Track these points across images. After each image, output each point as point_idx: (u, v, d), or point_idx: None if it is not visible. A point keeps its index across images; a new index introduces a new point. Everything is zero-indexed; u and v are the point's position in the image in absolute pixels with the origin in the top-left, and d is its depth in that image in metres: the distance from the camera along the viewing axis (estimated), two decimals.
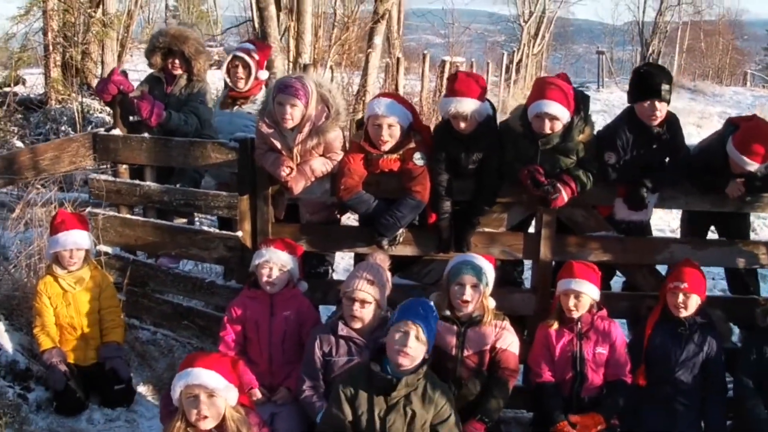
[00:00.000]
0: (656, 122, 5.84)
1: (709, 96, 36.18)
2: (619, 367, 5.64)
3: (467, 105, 5.77)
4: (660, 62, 45.89)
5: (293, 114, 5.81)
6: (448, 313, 5.52)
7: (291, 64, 12.59)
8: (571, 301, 5.62)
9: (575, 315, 5.64)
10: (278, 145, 5.91)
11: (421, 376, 4.76)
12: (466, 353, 5.51)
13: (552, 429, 5.48)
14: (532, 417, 5.96)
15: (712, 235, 6.84)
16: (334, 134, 5.96)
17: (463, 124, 5.84)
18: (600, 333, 5.66)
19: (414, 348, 4.68)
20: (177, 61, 7.40)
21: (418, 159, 5.87)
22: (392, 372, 4.75)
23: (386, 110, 5.78)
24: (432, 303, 5.04)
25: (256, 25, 13.04)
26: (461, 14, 46.76)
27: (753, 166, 5.72)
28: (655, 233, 7.30)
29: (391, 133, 5.82)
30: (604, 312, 5.74)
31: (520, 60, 34.59)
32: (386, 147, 5.85)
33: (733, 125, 5.97)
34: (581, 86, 35.21)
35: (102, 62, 15.78)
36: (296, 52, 12.62)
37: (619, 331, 5.75)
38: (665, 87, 5.76)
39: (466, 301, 5.45)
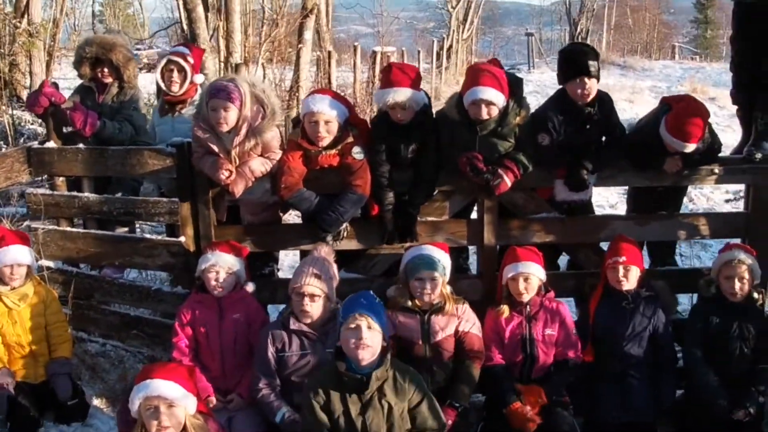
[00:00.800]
0: (588, 99, 5.92)
1: (639, 71, 36.71)
2: (569, 346, 5.72)
3: (403, 94, 5.81)
4: (588, 40, 46.48)
5: (227, 118, 5.80)
6: (409, 304, 5.58)
7: (222, 64, 12.53)
8: (521, 285, 5.68)
9: (525, 298, 5.71)
10: (215, 148, 5.89)
11: (388, 366, 4.78)
12: (432, 341, 5.57)
13: (506, 410, 5.52)
14: (484, 400, 6.00)
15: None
16: (271, 134, 5.95)
17: (400, 114, 5.89)
18: (549, 314, 5.73)
19: (369, 338, 4.68)
20: (106, 70, 7.29)
21: (356, 153, 5.89)
22: (357, 369, 4.75)
23: (322, 106, 5.78)
24: (371, 293, 5.03)
25: (185, 27, 12.96)
26: (389, 3, 46.84)
27: (688, 147, 5.82)
28: (596, 210, 7.38)
29: (328, 129, 5.82)
30: (551, 294, 5.82)
31: (450, 46, 34.79)
32: (324, 143, 5.86)
33: (667, 105, 6.05)
34: (512, 68, 35.51)
35: (30, 73, 15.53)
36: (227, 51, 12.56)
37: (567, 311, 5.84)
38: (592, 63, 5.86)
39: (428, 294, 5.52)
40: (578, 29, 47.36)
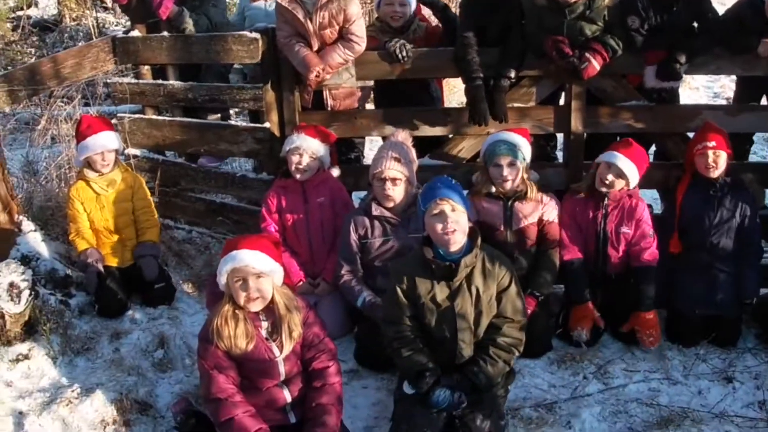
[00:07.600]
0: None
1: None
2: (644, 246, 5.56)
3: None
4: None
5: None
6: (492, 189, 5.53)
7: None
8: (610, 176, 5.49)
9: (604, 189, 5.54)
10: (300, 16, 5.86)
11: (477, 252, 4.56)
12: (513, 227, 5.52)
13: (574, 309, 5.52)
14: (563, 292, 5.87)
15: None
16: (354, 8, 5.92)
17: None
18: (626, 211, 5.57)
19: (456, 220, 4.45)
20: None
21: None
22: (446, 255, 4.55)
23: None
24: (447, 177, 4.78)
25: None
26: None
27: None
28: (704, 100, 7.09)
29: None
30: (636, 191, 5.63)
31: None
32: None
33: None
34: None
35: None
36: None
37: (646, 211, 5.64)
38: None
39: (506, 179, 5.44)
40: None
